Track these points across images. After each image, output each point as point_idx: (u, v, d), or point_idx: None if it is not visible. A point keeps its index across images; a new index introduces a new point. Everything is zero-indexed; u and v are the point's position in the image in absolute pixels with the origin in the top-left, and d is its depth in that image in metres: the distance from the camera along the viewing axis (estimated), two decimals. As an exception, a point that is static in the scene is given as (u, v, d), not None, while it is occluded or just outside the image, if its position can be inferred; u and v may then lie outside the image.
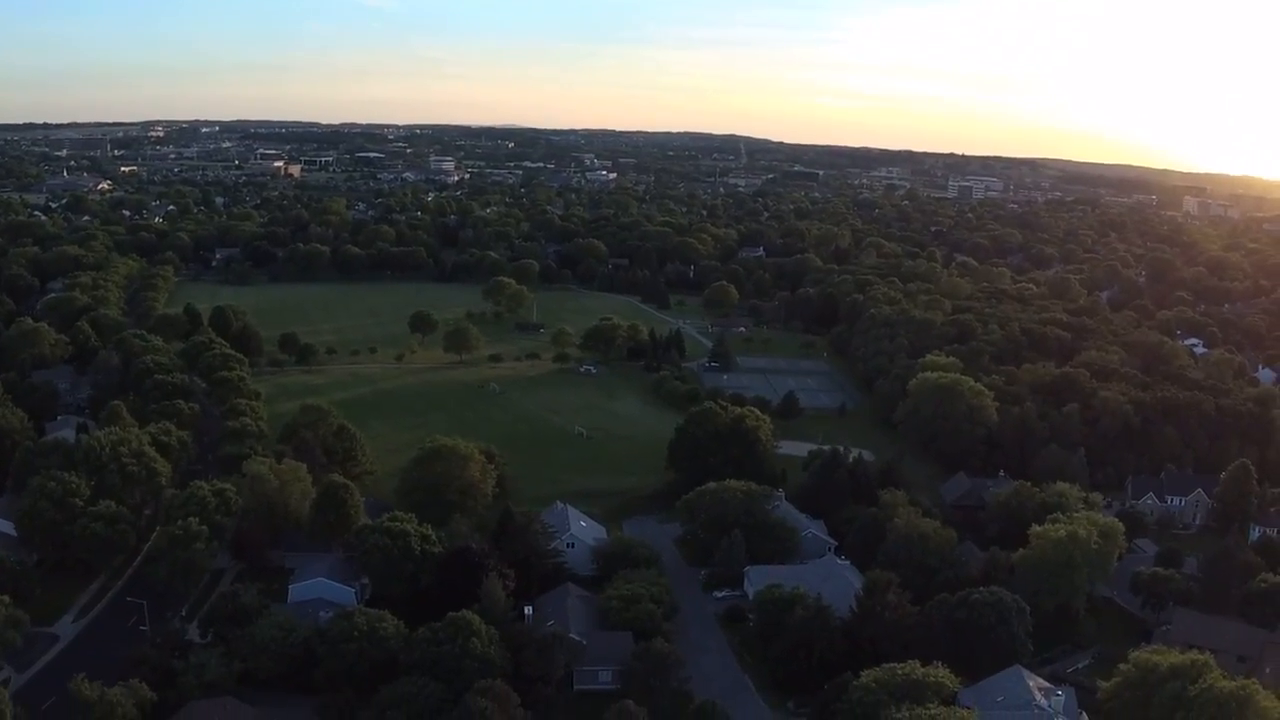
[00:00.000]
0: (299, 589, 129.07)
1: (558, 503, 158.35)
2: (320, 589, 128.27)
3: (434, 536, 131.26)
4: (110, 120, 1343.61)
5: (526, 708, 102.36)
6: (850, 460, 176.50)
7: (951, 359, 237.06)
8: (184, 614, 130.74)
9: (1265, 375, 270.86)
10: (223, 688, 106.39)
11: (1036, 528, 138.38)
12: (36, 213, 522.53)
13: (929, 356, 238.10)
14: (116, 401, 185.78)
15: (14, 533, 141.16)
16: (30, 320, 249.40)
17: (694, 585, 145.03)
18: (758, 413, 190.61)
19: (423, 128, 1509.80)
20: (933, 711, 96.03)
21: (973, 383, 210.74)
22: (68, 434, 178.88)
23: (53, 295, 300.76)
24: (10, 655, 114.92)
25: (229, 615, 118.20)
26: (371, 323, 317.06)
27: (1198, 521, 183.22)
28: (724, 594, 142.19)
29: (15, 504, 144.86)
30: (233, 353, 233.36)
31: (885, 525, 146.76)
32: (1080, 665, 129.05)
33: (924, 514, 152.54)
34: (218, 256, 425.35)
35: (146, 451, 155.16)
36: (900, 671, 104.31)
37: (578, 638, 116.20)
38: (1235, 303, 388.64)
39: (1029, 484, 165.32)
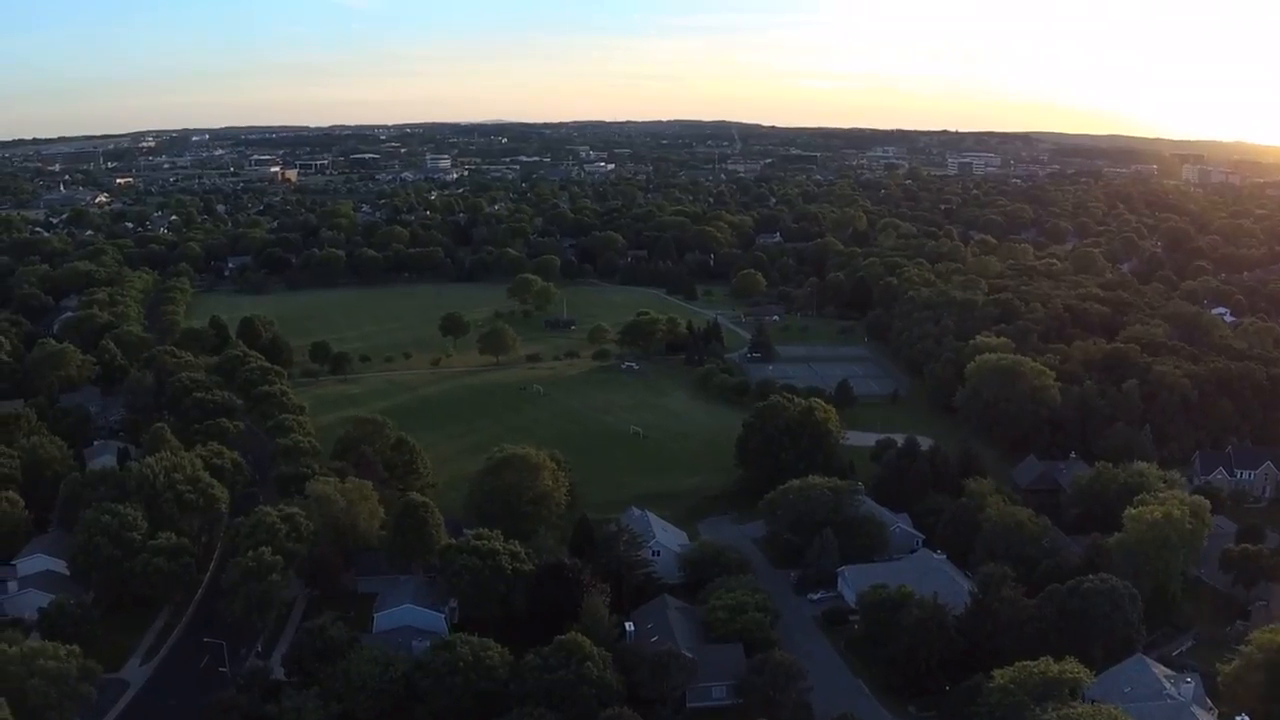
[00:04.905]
0: (385, 617, 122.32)
1: (634, 508, 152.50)
2: (408, 615, 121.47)
3: (524, 554, 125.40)
4: (99, 133, 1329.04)
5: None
6: (927, 449, 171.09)
7: (1003, 340, 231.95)
8: (259, 650, 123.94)
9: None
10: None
11: (1131, 510, 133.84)
12: (38, 229, 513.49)
13: (979, 338, 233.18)
14: (159, 424, 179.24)
15: (66, 571, 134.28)
16: (54, 341, 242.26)
17: (785, 588, 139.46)
18: (823, 404, 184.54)
19: (413, 127, 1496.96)
20: (1080, 710, 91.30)
21: (1033, 363, 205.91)
22: (108, 460, 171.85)
23: (70, 314, 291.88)
24: (82, 708, 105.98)
25: (317, 651, 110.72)
26: (398, 326, 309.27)
27: (1267, 495, 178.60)
28: (819, 596, 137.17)
29: (66, 540, 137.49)
30: (270, 366, 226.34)
31: (977, 516, 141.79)
32: (1183, 648, 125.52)
33: (1010, 502, 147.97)
34: (230, 265, 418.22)
35: (202, 477, 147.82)
36: (1036, 669, 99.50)
37: (688, 653, 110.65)
38: (1254, 270, 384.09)
39: (1109, 465, 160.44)
